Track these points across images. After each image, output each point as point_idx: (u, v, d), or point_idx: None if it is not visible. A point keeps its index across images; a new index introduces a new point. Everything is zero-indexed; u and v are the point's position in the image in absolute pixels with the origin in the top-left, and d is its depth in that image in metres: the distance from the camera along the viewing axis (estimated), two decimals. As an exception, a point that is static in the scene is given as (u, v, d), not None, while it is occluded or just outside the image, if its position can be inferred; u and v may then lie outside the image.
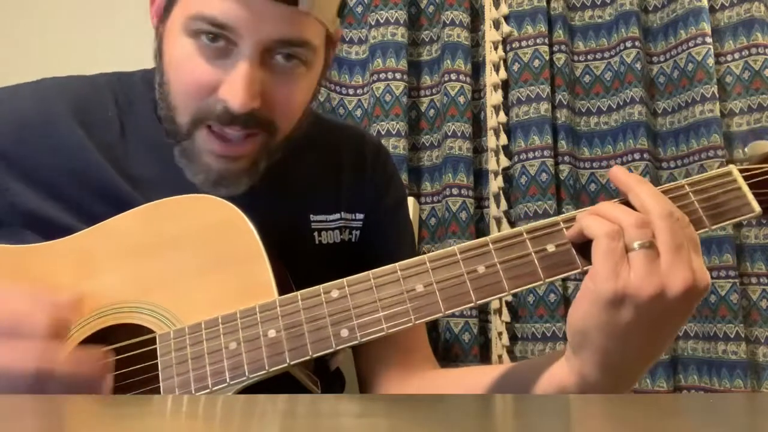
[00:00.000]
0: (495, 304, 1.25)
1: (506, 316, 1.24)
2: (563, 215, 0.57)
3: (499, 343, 1.23)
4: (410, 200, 1.16)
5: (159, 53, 0.67)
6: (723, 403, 0.45)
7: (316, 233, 0.74)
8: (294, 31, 0.61)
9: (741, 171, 0.59)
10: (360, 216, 0.78)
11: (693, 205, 0.57)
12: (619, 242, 0.52)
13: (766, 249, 1.17)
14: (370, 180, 0.80)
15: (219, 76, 0.61)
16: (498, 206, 1.28)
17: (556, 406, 0.41)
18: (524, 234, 0.56)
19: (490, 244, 0.56)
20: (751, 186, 0.58)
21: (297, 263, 0.66)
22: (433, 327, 1.24)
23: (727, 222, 0.57)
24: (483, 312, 1.26)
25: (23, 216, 0.67)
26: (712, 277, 1.16)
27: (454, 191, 1.27)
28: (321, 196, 0.76)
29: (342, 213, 0.76)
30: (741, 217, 0.57)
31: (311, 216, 0.74)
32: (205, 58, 0.62)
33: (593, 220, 0.54)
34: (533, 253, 0.55)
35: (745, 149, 0.62)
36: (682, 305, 0.52)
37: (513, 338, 1.24)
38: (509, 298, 1.25)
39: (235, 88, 0.60)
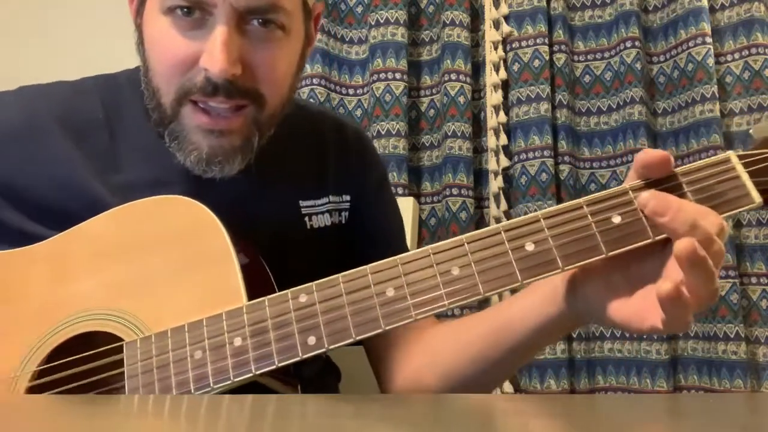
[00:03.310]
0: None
1: (506, 316, 1.24)
2: (543, 211, 0.53)
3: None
4: (410, 200, 1.16)
5: (141, 43, 0.67)
6: (723, 403, 0.45)
7: (306, 218, 0.74)
8: None
9: (741, 158, 0.52)
10: (347, 197, 0.78)
11: (685, 197, 0.51)
12: None
13: (766, 249, 1.17)
14: (353, 162, 0.80)
15: (197, 47, 0.61)
16: (498, 206, 1.28)
17: (555, 407, 0.41)
18: (501, 232, 0.53)
19: (466, 244, 0.53)
20: (751, 174, 0.51)
21: (291, 249, 0.66)
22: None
23: (724, 215, 0.51)
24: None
25: (9, 234, 0.66)
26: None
27: (454, 191, 1.27)
28: (308, 182, 0.76)
29: (330, 197, 0.77)
30: (739, 209, 0.51)
31: (300, 202, 0.75)
32: (181, 31, 0.61)
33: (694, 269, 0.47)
34: (510, 252, 0.52)
35: (750, 131, 0.56)
36: None
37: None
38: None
39: (213, 54, 0.60)
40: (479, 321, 0.68)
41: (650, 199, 0.50)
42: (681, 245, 0.46)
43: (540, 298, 0.60)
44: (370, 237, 0.78)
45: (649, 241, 0.51)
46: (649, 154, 0.52)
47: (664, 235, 0.51)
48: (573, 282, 0.57)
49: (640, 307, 0.52)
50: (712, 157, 0.53)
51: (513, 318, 0.63)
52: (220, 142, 0.64)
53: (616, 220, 0.52)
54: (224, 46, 0.59)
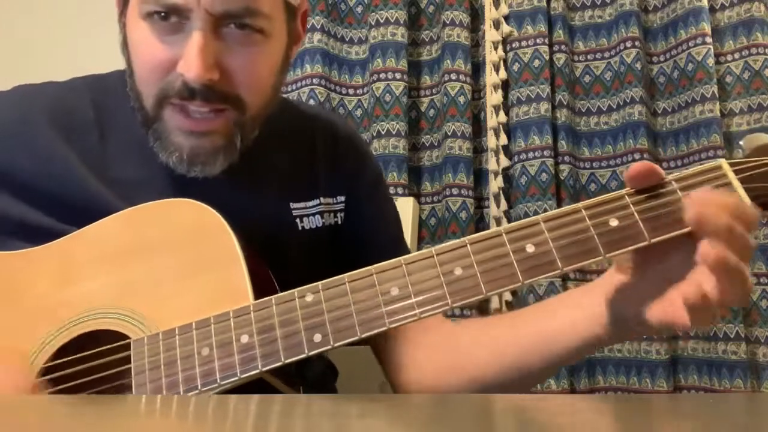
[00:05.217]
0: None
1: (506, 316, 1.24)
2: (542, 215, 0.54)
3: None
4: (410, 200, 1.16)
5: (124, 44, 0.68)
6: (723, 403, 0.45)
7: (298, 219, 0.75)
8: (239, 3, 0.61)
9: (732, 165, 0.54)
10: (341, 198, 0.78)
11: (679, 203, 0.52)
12: None
13: (766, 249, 1.17)
14: (346, 162, 0.80)
15: (175, 52, 0.62)
16: (498, 206, 1.29)
17: (556, 406, 0.41)
18: (503, 234, 0.54)
19: (468, 245, 0.54)
20: (742, 180, 0.53)
21: (283, 250, 0.66)
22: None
23: None
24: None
25: (9, 224, 0.67)
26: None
27: (454, 191, 1.27)
28: (299, 185, 0.76)
29: (321, 198, 0.77)
30: None
31: (291, 204, 0.75)
32: (159, 36, 0.62)
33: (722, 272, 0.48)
34: (511, 253, 0.53)
35: (741, 142, 0.57)
36: None
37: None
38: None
39: (189, 60, 0.60)
40: (515, 327, 0.68)
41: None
42: (704, 250, 0.48)
43: (587, 315, 0.61)
44: (368, 235, 0.78)
45: (645, 243, 0.52)
46: (635, 168, 0.54)
47: (660, 238, 0.52)
48: (610, 306, 0.58)
49: (673, 308, 0.53)
50: (704, 165, 0.55)
51: (558, 330, 0.63)
52: (202, 142, 0.64)
53: (614, 223, 0.53)
54: (200, 52, 0.60)
